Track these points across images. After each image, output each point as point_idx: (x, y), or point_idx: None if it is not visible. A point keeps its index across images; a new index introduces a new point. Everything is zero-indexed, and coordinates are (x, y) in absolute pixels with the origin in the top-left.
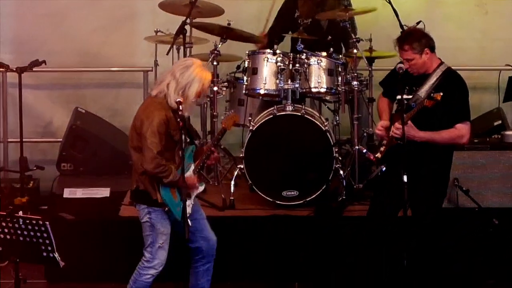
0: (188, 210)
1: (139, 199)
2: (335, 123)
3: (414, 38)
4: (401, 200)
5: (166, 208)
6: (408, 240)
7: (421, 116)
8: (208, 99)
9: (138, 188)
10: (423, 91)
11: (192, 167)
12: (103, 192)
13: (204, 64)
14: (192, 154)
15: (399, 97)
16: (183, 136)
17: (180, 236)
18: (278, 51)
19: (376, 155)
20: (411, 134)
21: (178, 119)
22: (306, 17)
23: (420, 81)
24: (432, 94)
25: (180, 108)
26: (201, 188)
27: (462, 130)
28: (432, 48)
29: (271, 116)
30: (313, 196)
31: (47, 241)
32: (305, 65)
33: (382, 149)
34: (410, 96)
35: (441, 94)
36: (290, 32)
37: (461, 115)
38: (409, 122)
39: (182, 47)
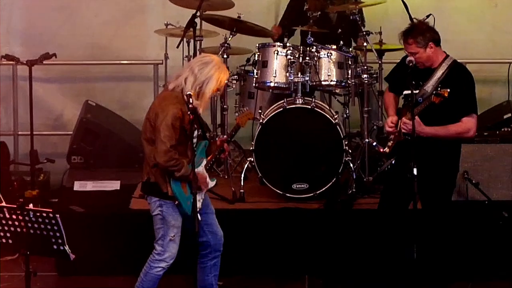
0: (198, 204)
1: (150, 191)
2: (345, 116)
3: (418, 32)
4: (410, 193)
5: (176, 202)
6: (418, 233)
7: (428, 111)
8: (218, 92)
9: (149, 180)
10: (429, 86)
11: (204, 162)
12: (113, 185)
13: (222, 63)
14: (204, 149)
15: (406, 92)
16: (194, 129)
17: (189, 231)
18: (288, 44)
19: (385, 150)
20: (418, 129)
21: (189, 112)
22: (315, 10)
23: (426, 76)
24: (439, 90)
25: (191, 101)
26: (212, 184)
27: (468, 123)
28: (437, 42)
29: (281, 109)
30: (323, 189)
31: (58, 234)
32: (315, 58)
33: (390, 143)
34: (417, 91)
35: (448, 90)
36: (300, 26)
37: (468, 108)
38: (416, 117)
39: (192, 40)
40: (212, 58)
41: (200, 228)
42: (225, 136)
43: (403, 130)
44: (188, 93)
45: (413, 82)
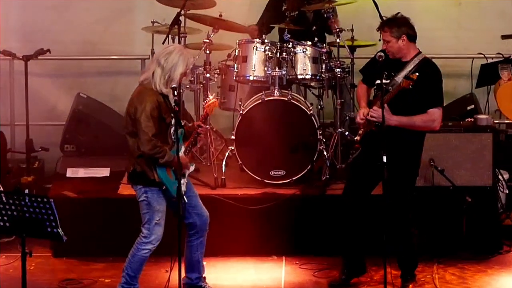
0: (183, 188)
1: (136, 181)
2: (319, 107)
3: (395, 23)
4: (375, 179)
5: (164, 187)
6: (385, 216)
7: (396, 101)
8: (201, 85)
9: (136, 170)
10: (400, 77)
11: (183, 148)
12: (103, 172)
13: (185, 48)
14: (182, 136)
15: (378, 81)
16: (177, 119)
17: (175, 214)
18: (266, 41)
19: (355, 138)
20: (386, 117)
21: (174, 104)
22: (292, 10)
23: (398, 68)
24: (409, 75)
25: (175, 94)
26: (192, 168)
27: (434, 115)
28: (411, 37)
29: (260, 101)
30: (299, 176)
31: (52, 218)
32: (292, 54)
33: (360, 132)
34: (388, 81)
35: (417, 74)
36: (277, 24)
37: (434, 100)
38: (385, 105)
39: (177, 37)
40: (175, 46)
41: (186, 210)
42: (199, 122)
43: (372, 118)
44: (173, 85)
45: (385, 73)
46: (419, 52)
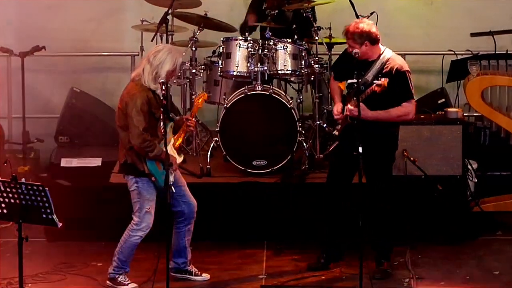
0: (171, 178)
1: (127, 171)
2: (299, 101)
3: (356, 32)
4: (354, 169)
5: (153, 178)
6: (363, 203)
7: (371, 98)
8: (188, 80)
9: (126, 162)
10: (370, 75)
11: (172, 141)
12: (95, 162)
13: (174, 48)
14: (171, 129)
15: (350, 81)
16: (166, 114)
17: (164, 202)
18: (249, 38)
19: (334, 133)
20: (362, 113)
21: (162, 98)
22: (272, 9)
23: (366, 67)
24: (379, 80)
25: (163, 88)
26: (179, 159)
27: (408, 107)
28: (373, 41)
29: (243, 95)
30: (280, 165)
31: (47, 205)
32: (273, 51)
33: (338, 127)
34: (359, 80)
35: (387, 80)
36: (259, 23)
37: (406, 94)
38: (361, 103)
39: (165, 35)
40: (164, 45)
41: (175, 199)
42: (188, 115)
43: (349, 115)
44: (161, 81)
45: (356, 72)
46: (385, 50)
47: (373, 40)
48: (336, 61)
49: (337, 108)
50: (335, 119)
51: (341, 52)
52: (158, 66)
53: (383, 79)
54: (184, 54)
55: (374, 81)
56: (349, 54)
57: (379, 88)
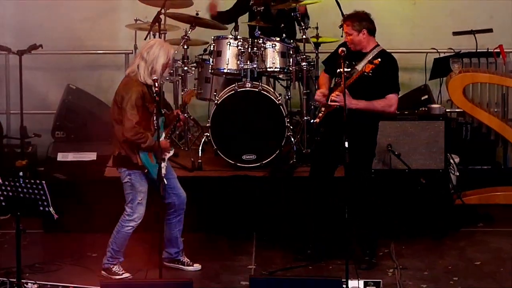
0: (163, 171)
1: (120, 164)
2: (287, 97)
3: (357, 18)
4: (336, 162)
5: (146, 170)
6: (348, 196)
7: (357, 88)
8: (180, 77)
9: (120, 154)
10: (360, 66)
11: (163, 134)
12: (91, 156)
13: (165, 42)
14: (162, 123)
15: (339, 70)
16: (158, 108)
17: (156, 194)
18: (239, 37)
19: (315, 121)
20: (347, 101)
21: (155, 94)
22: (259, 5)
23: (358, 58)
24: (371, 60)
25: (156, 85)
26: (171, 152)
27: (391, 100)
28: (370, 31)
29: (233, 91)
30: (269, 159)
31: (44, 198)
32: (262, 49)
33: (320, 115)
34: (349, 69)
35: (379, 59)
36: (240, 15)
37: (391, 87)
38: (346, 90)
39: (157, 33)
40: (155, 40)
41: (166, 191)
42: (178, 110)
43: (333, 102)
44: (154, 77)
45: (347, 62)
46: (378, 45)
47: (371, 30)
48: (329, 56)
49: (321, 91)
50: (315, 99)
51: (329, 50)
52: (153, 61)
53: (375, 59)
54: (176, 52)
55: (368, 60)
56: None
57: (370, 67)
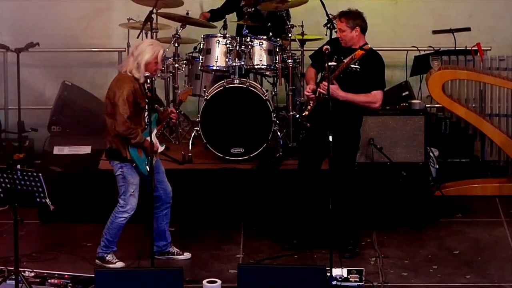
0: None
1: (112, 157)
2: (273, 93)
3: (351, 15)
4: (322, 155)
5: (134, 164)
6: (332, 188)
7: (344, 83)
8: (171, 74)
9: (112, 148)
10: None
11: (155, 131)
12: (85, 150)
13: (157, 42)
14: (155, 120)
15: (330, 63)
16: (151, 105)
17: (146, 188)
18: (227, 35)
19: (304, 114)
20: (335, 92)
21: (147, 90)
22: (249, 7)
23: (347, 54)
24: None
25: (148, 82)
26: (161, 148)
27: (376, 96)
28: (363, 29)
29: (222, 88)
30: (256, 153)
31: (40, 189)
32: (249, 47)
33: (309, 107)
34: (337, 63)
35: (369, 46)
36: (236, 19)
37: (377, 83)
38: (334, 81)
39: (149, 32)
40: (148, 39)
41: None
42: (172, 108)
43: (321, 91)
44: (146, 74)
45: (335, 57)
46: (366, 43)
47: (363, 28)
48: (316, 51)
49: (310, 87)
50: (306, 95)
51: (314, 47)
52: (138, 56)
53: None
54: (167, 50)
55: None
56: (332, 44)
57: (360, 53)
